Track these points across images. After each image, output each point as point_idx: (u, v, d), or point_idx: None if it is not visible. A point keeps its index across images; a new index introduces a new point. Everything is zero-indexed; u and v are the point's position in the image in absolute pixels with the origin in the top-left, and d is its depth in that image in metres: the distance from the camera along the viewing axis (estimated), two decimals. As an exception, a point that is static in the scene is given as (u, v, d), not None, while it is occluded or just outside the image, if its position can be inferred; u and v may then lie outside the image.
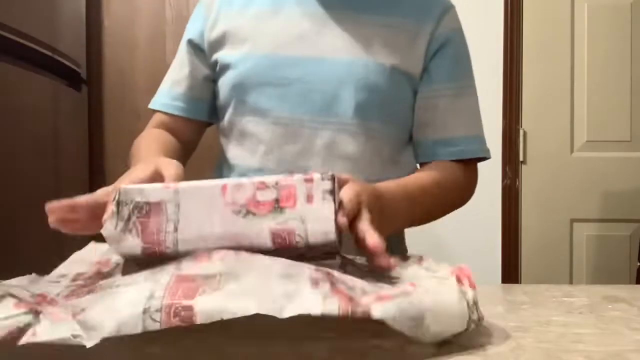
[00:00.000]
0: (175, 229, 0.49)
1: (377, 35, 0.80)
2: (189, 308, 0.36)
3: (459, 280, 0.46)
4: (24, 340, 0.35)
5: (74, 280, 0.55)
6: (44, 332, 0.36)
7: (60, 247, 1.68)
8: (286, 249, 0.49)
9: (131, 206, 0.50)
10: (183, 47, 0.89)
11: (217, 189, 0.50)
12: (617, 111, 2.08)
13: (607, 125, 2.08)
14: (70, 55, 1.64)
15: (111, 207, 0.50)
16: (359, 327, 0.43)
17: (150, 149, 0.79)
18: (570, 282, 2.10)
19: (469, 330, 0.43)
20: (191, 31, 0.88)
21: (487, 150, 0.86)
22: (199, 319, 0.36)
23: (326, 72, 0.79)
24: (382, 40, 0.80)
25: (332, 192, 0.50)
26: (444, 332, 0.42)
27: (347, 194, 0.54)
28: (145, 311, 0.36)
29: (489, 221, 2.09)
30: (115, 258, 0.61)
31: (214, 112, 0.90)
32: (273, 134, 0.81)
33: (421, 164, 0.88)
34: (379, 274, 0.52)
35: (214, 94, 0.89)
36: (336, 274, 0.45)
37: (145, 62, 1.90)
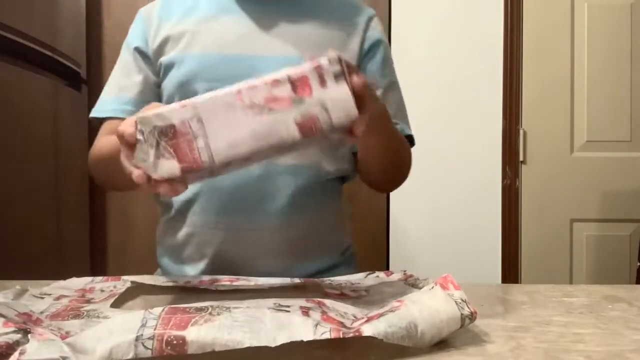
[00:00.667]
0: (206, 144, 0.50)
1: (311, 34, 0.86)
2: (181, 338, 0.37)
3: (443, 287, 0.47)
4: (13, 358, 0.35)
5: (57, 299, 0.56)
6: (33, 351, 0.36)
7: (60, 247, 1.69)
8: (313, 136, 0.50)
9: (156, 132, 0.50)
10: (127, 56, 0.90)
11: (232, 96, 0.51)
12: (617, 111, 2.08)
13: (607, 125, 2.08)
14: (70, 55, 1.64)
15: (136, 137, 0.50)
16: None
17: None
18: (570, 282, 2.10)
19: (465, 326, 0.43)
20: (135, 40, 0.90)
21: (413, 138, 0.94)
22: (191, 350, 0.36)
23: (268, 68, 0.81)
24: (317, 38, 0.87)
25: (343, 73, 0.51)
26: (439, 334, 0.42)
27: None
28: (137, 338, 0.36)
29: (489, 221, 2.09)
30: (100, 286, 0.62)
31: None
32: None
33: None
34: (370, 303, 0.53)
35: (160, 99, 0.91)
36: (328, 302, 0.46)
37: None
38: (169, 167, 0.50)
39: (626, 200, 2.07)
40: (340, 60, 0.51)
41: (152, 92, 0.90)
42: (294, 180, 0.83)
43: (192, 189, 0.83)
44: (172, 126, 0.50)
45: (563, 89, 2.09)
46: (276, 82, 0.51)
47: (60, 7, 1.61)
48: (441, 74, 2.03)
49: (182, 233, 0.85)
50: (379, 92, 0.90)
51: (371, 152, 0.82)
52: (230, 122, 0.50)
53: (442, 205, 2.06)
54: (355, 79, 0.53)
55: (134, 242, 1.91)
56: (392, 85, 0.94)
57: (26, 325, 0.40)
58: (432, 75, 2.03)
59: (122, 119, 0.86)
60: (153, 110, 0.52)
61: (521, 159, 2.10)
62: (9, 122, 1.31)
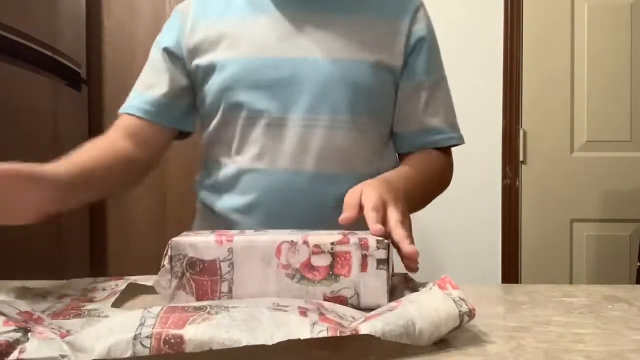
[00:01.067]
0: (230, 290, 0.50)
1: (355, 33, 0.83)
2: (179, 337, 0.37)
3: (441, 287, 0.47)
4: (13, 356, 0.35)
5: (59, 298, 0.56)
6: (33, 350, 0.36)
7: (60, 247, 1.69)
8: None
9: (184, 262, 0.50)
10: (157, 55, 0.89)
11: (271, 250, 0.50)
12: (617, 111, 2.08)
13: (607, 125, 2.08)
14: (70, 55, 1.64)
15: (163, 263, 0.50)
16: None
17: (76, 154, 0.75)
18: (570, 282, 2.10)
19: (463, 324, 0.43)
20: (165, 40, 0.88)
21: (462, 137, 0.91)
22: (188, 348, 0.37)
23: (312, 71, 0.81)
24: (360, 37, 0.83)
25: (386, 262, 0.51)
26: (438, 332, 0.42)
27: (371, 198, 0.59)
28: (136, 337, 0.37)
29: (489, 221, 2.09)
30: (102, 286, 0.62)
31: (186, 121, 0.90)
32: (265, 135, 0.82)
33: (402, 155, 0.91)
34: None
35: (190, 102, 0.89)
36: (326, 304, 0.46)
37: (145, 62, 1.90)
38: (185, 300, 0.50)
39: (626, 200, 2.08)
40: (388, 247, 0.51)
41: (177, 95, 0.88)
42: (340, 189, 0.83)
43: (240, 199, 0.83)
44: (203, 262, 0.50)
45: (563, 89, 2.09)
46: (318, 249, 0.50)
47: (60, 7, 1.61)
48: (441, 74, 2.04)
49: None
50: (423, 94, 0.87)
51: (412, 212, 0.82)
52: (259, 276, 0.50)
53: (442, 205, 2.06)
54: (406, 248, 0.54)
55: (134, 242, 1.91)
56: (439, 83, 0.89)
57: (27, 324, 0.40)
58: (432, 75, 2.03)
59: (140, 117, 0.86)
60: (188, 237, 0.51)
61: (521, 159, 2.10)
62: (9, 122, 1.31)
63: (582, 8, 2.08)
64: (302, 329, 0.39)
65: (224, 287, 0.50)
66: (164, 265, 0.51)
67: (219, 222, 0.86)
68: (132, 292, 0.62)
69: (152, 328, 0.37)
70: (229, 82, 0.82)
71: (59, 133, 1.59)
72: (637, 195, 2.08)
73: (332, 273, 0.50)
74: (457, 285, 0.48)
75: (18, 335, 0.37)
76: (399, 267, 0.56)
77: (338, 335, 0.39)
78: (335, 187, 0.81)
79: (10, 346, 0.36)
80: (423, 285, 0.57)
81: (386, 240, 0.51)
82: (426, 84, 0.87)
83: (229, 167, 0.85)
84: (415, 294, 0.48)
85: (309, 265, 0.50)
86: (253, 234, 0.53)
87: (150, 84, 0.88)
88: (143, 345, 0.36)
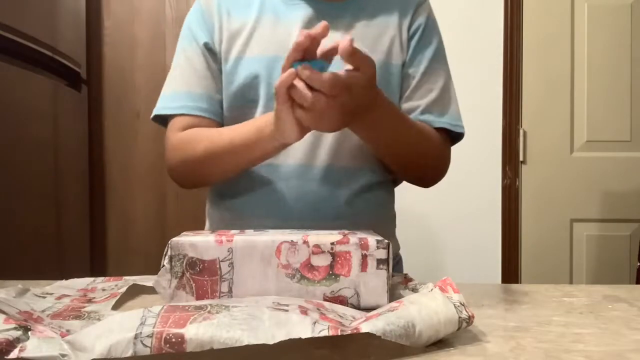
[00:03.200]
0: (229, 290, 0.50)
1: (371, 36, 0.86)
2: (180, 336, 0.37)
3: (442, 290, 0.47)
4: (13, 355, 0.35)
5: (59, 298, 0.56)
6: (33, 348, 0.36)
7: (60, 247, 1.69)
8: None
9: (184, 262, 0.50)
10: (194, 50, 0.87)
11: (271, 250, 0.50)
12: (617, 111, 2.08)
13: (607, 125, 2.08)
14: (70, 55, 1.64)
15: (163, 263, 0.50)
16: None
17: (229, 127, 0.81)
18: (570, 282, 2.10)
19: (461, 329, 0.43)
20: (202, 35, 0.87)
21: (463, 127, 0.90)
22: (189, 348, 0.37)
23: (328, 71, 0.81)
24: (373, 39, 0.86)
25: (386, 262, 0.51)
26: (436, 335, 0.42)
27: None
28: (136, 336, 0.37)
29: (489, 221, 2.09)
30: (101, 286, 0.62)
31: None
32: None
33: None
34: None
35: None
36: (327, 304, 0.46)
37: (145, 62, 1.90)
38: (185, 299, 0.50)
39: (626, 200, 2.07)
40: (388, 247, 0.51)
41: (219, 90, 0.87)
42: (353, 183, 0.84)
43: (252, 193, 0.84)
44: (203, 262, 0.50)
45: (563, 89, 2.09)
46: (318, 249, 0.50)
47: (60, 7, 1.61)
48: (441, 74, 2.04)
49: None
50: (413, 81, 0.88)
51: (376, 147, 0.81)
52: (259, 276, 0.50)
53: (442, 205, 2.06)
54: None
55: (134, 242, 1.91)
56: (430, 71, 0.89)
57: (27, 323, 0.40)
58: (432, 75, 2.03)
59: (195, 116, 0.85)
60: (188, 237, 0.52)
61: (521, 159, 2.10)
62: (9, 122, 1.32)
63: (582, 8, 2.08)
64: (303, 328, 0.39)
65: (224, 287, 0.50)
66: (163, 265, 0.51)
67: (230, 217, 0.86)
68: (131, 293, 0.62)
69: (153, 327, 0.37)
70: (252, 78, 0.83)
71: (59, 133, 1.59)
72: (637, 195, 2.08)
73: (332, 273, 0.50)
74: (458, 288, 0.48)
75: (18, 333, 0.37)
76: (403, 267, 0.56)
77: (339, 334, 0.39)
78: (348, 181, 0.83)
79: (11, 344, 0.36)
80: (423, 285, 0.56)
81: (386, 241, 0.51)
82: (416, 69, 0.88)
83: None
84: (416, 294, 0.48)
85: (309, 265, 0.50)
86: (253, 234, 0.53)
87: (194, 82, 0.87)
88: (144, 345, 0.36)
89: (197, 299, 0.50)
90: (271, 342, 0.37)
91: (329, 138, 0.83)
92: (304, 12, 0.86)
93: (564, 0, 2.09)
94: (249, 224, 0.82)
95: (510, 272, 2.09)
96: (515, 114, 2.09)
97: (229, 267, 0.50)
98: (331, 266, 0.50)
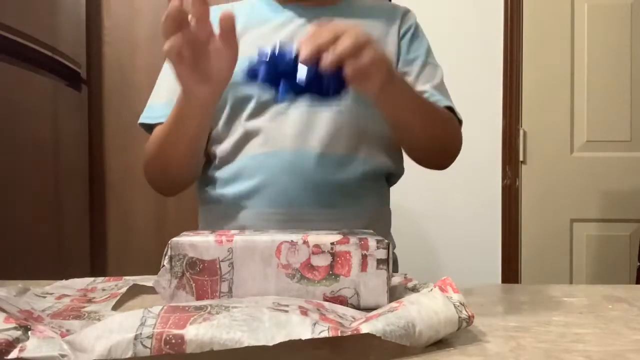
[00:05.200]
0: (230, 290, 0.50)
1: None
2: (180, 337, 0.37)
3: (442, 290, 0.47)
4: (13, 355, 0.35)
5: (59, 298, 0.56)
6: (33, 348, 0.36)
7: (60, 247, 1.69)
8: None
9: (184, 262, 0.50)
10: None
11: (271, 250, 0.50)
12: (617, 111, 2.08)
13: (607, 125, 2.08)
14: (70, 55, 1.64)
15: (163, 263, 0.50)
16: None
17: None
18: (570, 282, 2.10)
19: (461, 330, 0.44)
20: None
21: (459, 114, 0.92)
22: (189, 349, 0.36)
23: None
24: None
25: (386, 262, 0.51)
26: (436, 336, 0.42)
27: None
28: (136, 337, 0.37)
29: (489, 221, 2.09)
30: (102, 286, 0.62)
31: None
32: (271, 122, 0.84)
33: None
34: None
35: None
36: (327, 305, 0.46)
37: (145, 62, 1.90)
38: (185, 300, 0.50)
39: (626, 200, 2.08)
40: (388, 247, 0.51)
41: None
42: (346, 172, 0.84)
43: (246, 183, 0.84)
44: (203, 262, 0.50)
45: (563, 89, 2.09)
46: (318, 249, 0.50)
47: (60, 7, 1.61)
48: (441, 74, 2.04)
49: (233, 225, 0.84)
50: (413, 73, 0.90)
51: (402, 122, 0.80)
52: (259, 276, 0.50)
53: (442, 205, 2.06)
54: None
55: (134, 242, 1.91)
56: (428, 63, 0.93)
57: (27, 322, 0.40)
58: (432, 75, 2.03)
59: None
60: (188, 237, 0.52)
61: (521, 159, 2.10)
62: (9, 122, 1.32)
63: (582, 8, 2.08)
64: (303, 329, 0.39)
65: (224, 287, 0.50)
66: (163, 265, 0.51)
67: (225, 211, 0.86)
68: (131, 293, 0.62)
69: (153, 328, 0.37)
70: (238, 76, 0.83)
71: (59, 133, 1.59)
72: (637, 195, 2.08)
73: (332, 273, 0.50)
74: (458, 288, 0.48)
75: (18, 333, 0.37)
76: (401, 267, 0.56)
77: (339, 335, 0.39)
78: (341, 169, 0.83)
79: (10, 344, 0.36)
80: (423, 285, 0.57)
81: (386, 241, 0.51)
82: (419, 62, 0.92)
83: (234, 155, 0.86)
84: (416, 294, 0.48)
85: (309, 265, 0.50)
86: (253, 234, 0.53)
87: (176, 90, 0.87)
88: (144, 346, 0.36)
89: (197, 299, 0.50)
90: (271, 344, 0.37)
91: (321, 125, 0.83)
92: (291, 17, 0.88)
93: (564, 0, 2.09)
94: (243, 215, 0.83)
95: (510, 272, 2.09)
96: (515, 114, 2.09)
97: (229, 267, 0.50)
98: (331, 266, 0.50)
